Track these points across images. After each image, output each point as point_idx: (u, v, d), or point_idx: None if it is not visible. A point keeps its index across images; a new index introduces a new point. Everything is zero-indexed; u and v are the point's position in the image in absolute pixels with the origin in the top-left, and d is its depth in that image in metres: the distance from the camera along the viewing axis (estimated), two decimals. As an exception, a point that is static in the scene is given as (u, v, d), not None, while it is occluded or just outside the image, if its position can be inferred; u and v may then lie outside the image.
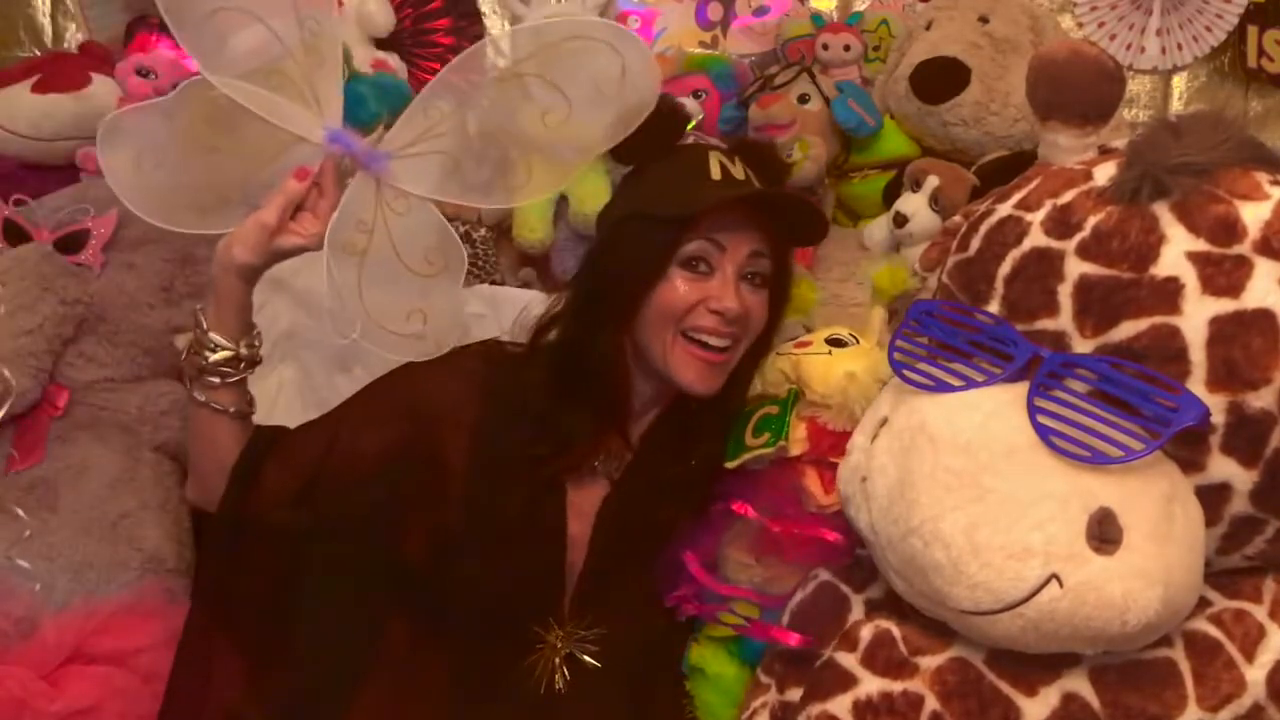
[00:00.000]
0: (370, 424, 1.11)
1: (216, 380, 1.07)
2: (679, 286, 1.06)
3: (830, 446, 1.01)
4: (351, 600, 1.08)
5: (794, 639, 0.93)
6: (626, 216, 1.11)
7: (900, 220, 1.53)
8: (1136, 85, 1.93)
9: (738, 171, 1.08)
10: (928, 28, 1.74)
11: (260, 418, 1.45)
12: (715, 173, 1.07)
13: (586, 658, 1.08)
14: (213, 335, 1.07)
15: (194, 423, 1.11)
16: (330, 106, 1.11)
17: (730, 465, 1.06)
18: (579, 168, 1.15)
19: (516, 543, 1.09)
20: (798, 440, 1.02)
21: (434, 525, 1.08)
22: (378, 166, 1.10)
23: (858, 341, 1.07)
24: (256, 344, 1.10)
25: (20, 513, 1.32)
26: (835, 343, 1.07)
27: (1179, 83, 1.95)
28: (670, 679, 1.10)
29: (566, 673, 1.07)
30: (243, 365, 1.08)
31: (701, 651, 1.07)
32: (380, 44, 1.93)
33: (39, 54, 2.07)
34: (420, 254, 1.17)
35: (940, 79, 1.63)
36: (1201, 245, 0.70)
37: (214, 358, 1.06)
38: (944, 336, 0.79)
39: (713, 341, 1.07)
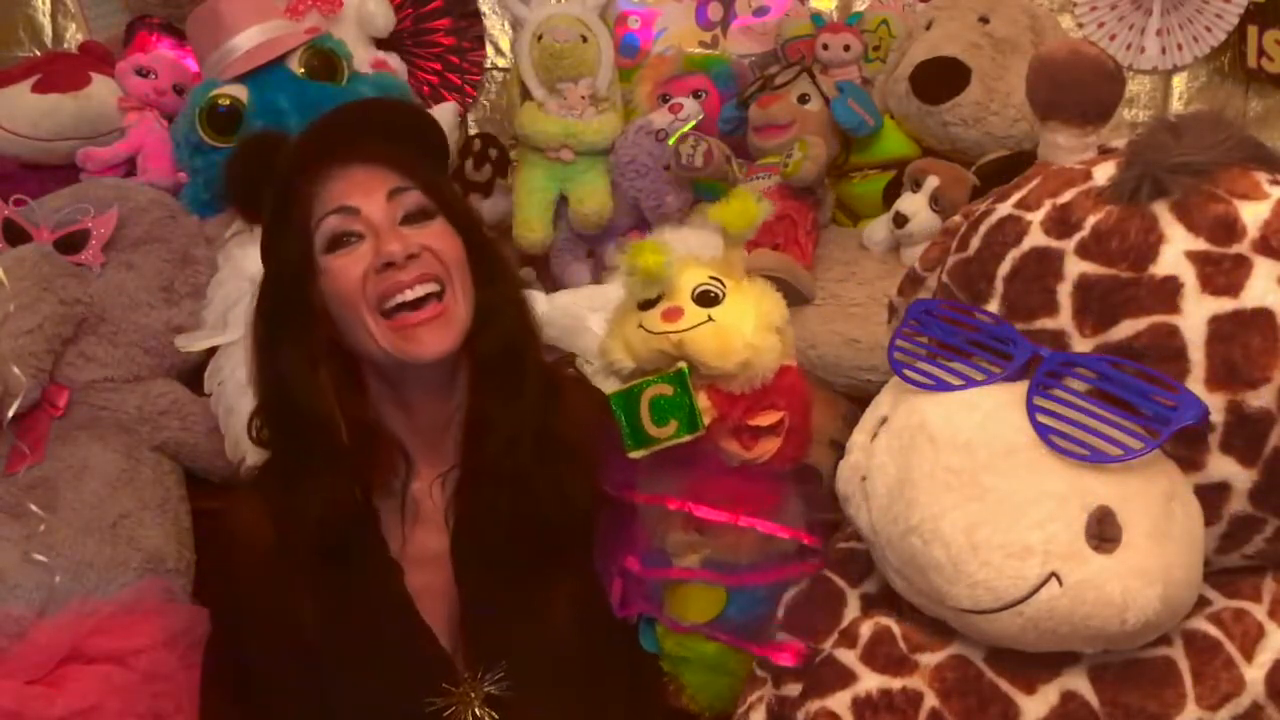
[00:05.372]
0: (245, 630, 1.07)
1: None
2: (335, 269, 0.97)
3: (743, 411, 0.93)
4: None
5: (787, 656, 0.87)
6: (263, 246, 1.04)
7: (900, 220, 1.52)
8: (1136, 85, 1.93)
9: (334, 130, 1.01)
10: (928, 28, 1.73)
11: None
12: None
13: (505, 692, 1.02)
14: None
15: None
16: None
17: (635, 456, 0.95)
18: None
19: (370, 644, 1.03)
20: (705, 411, 0.92)
21: (298, 661, 1.03)
22: None
23: (724, 285, 0.95)
24: None
25: (34, 508, 1.32)
26: (705, 299, 0.93)
27: (1179, 83, 1.95)
28: (613, 658, 1.05)
29: (494, 712, 1.02)
30: None
31: (677, 639, 1.00)
32: (380, 44, 1.93)
33: (39, 54, 2.07)
34: None
35: (940, 79, 1.63)
36: (1201, 244, 0.70)
37: None
38: (944, 336, 0.79)
39: (409, 296, 0.96)
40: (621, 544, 1.01)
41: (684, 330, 0.92)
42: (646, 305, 0.96)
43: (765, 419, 0.94)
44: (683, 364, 0.93)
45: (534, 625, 1.04)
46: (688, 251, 1.00)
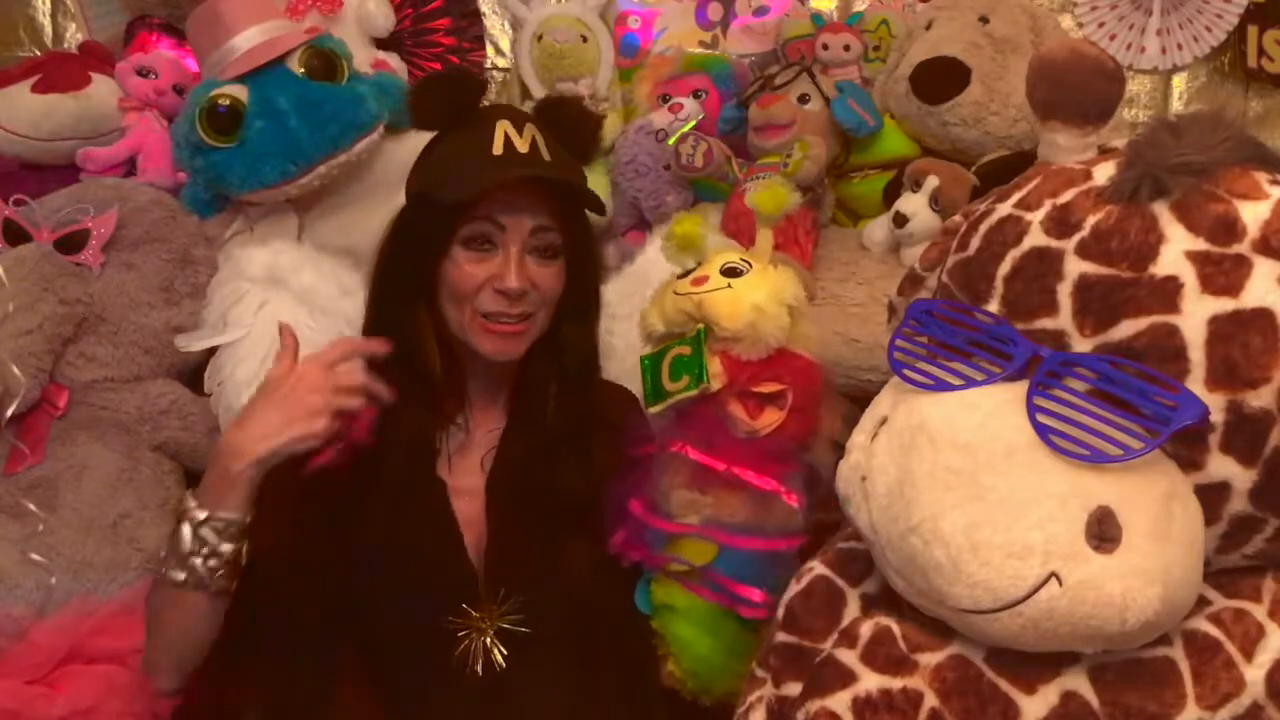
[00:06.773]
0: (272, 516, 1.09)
1: (221, 571, 1.02)
2: (463, 266, 1.11)
3: (749, 377, 1.03)
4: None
5: (755, 594, 0.97)
6: (413, 195, 1.14)
7: (900, 220, 1.53)
8: (1136, 85, 1.93)
9: (522, 144, 1.07)
10: (928, 28, 1.74)
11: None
12: (498, 147, 1.06)
13: (518, 628, 1.08)
14: (221, 515, 1.01)
15: (174, 605, 1.05)
16: None
17: (653, 411, 1.08)
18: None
19: (410, 549, 1.09)
20: (715, 375, 1.04)
21: (337, 563, 1.09)
22: None
23: (750, 265, 1.08)
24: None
25: (32, 507, 1.32)
26: (731, 273, 1.07)
27: (1179, 83, 1.95)
28: (622, 620, 1.11)
29: (503, 648, 1.08)
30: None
31: (667, 589, 1.07)
32: (380, 44, 1.93)
33: (39, 54, 2.07)
34: None
35: (940, 79, 1.63)
36: (1201, 244, 0.70)
37: (225, 548, 1.01)
38: (943, 336, 0.79)
39: (505, 318, 1.11)
40: (629, 490, 1.09)
41: (704, 292, 1.05)
42: (684, 276, 1.10)
43: (767, 387, 1.04)
44: (701, 326, 1.04)
45: (550, 574, 1.10)
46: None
